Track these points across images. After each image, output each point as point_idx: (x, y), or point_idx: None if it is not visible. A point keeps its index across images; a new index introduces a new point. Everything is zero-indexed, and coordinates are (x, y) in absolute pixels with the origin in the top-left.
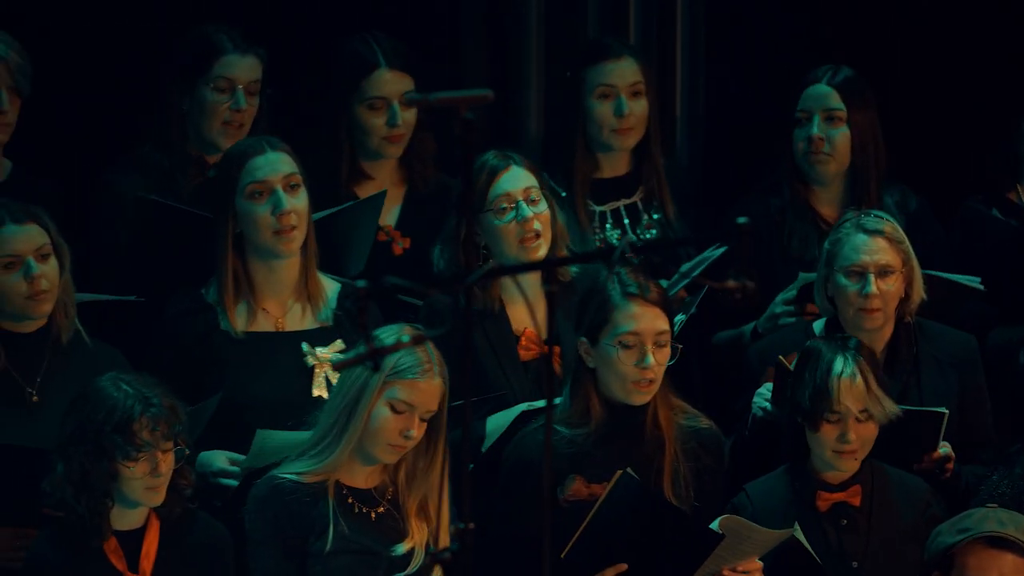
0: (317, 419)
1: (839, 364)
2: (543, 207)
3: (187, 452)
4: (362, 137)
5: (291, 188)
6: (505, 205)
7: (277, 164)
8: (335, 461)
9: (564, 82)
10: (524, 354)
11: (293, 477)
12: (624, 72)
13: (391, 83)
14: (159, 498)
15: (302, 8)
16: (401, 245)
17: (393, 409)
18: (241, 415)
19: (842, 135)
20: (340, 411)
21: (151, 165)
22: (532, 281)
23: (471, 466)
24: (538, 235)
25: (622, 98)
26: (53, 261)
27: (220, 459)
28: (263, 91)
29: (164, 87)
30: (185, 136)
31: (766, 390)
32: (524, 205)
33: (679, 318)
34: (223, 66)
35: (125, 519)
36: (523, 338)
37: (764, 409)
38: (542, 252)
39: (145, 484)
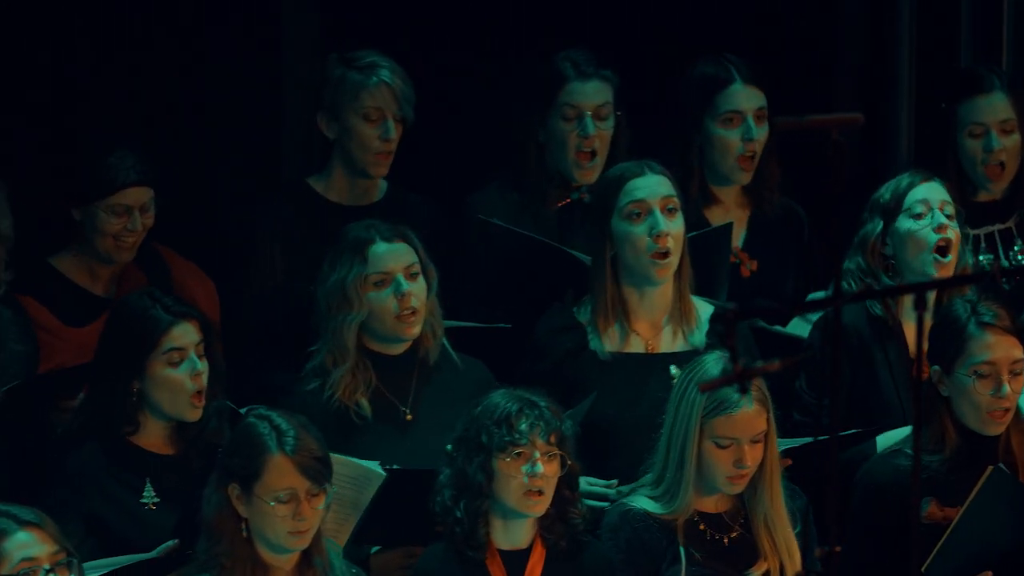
0: (652, 459)
1: None
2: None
3: (570, 463)
4: (717, 157)
5: (669, 211)
6: (921, 210)
7: (656, 187)
8: (682, 504)
9: (937, 112)
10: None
11: (643, 510)
12: (996, 108)
13: (746, 98)
14: (539, 508)
15: (657, 29)
16: (749, 267)
17: (718, 445)
18: (606, 435)
19: None
20: (672, 454)
21: (513, 189)
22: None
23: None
24: (948, 243)
25: (992, 134)
26: (421, 281)
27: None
28: (615, 112)
29: (518, 118)
30: (544, 164)
31: None
32: (939, 213)
33: None
34: (567, 94)
35: (509, 537)
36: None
37: None
38: (951, 269)
39: (524, 487)
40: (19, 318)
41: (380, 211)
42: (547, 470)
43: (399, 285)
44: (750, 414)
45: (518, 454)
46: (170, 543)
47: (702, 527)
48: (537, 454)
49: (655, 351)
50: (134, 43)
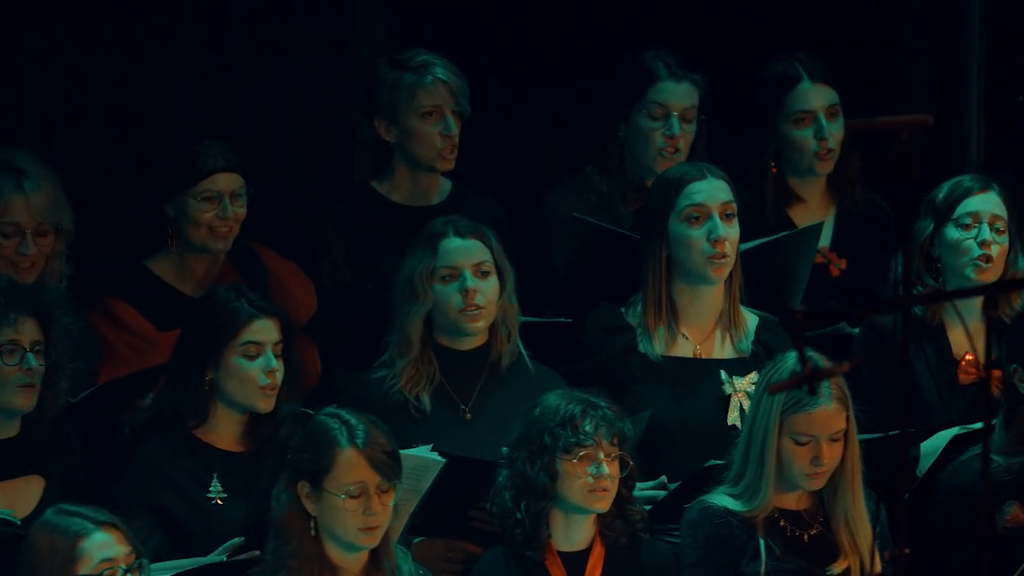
0: (732, 456)
1: None
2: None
3: (631, 464)
4: (793, 156)
5: (727, 217)
6: (969, 222)
7: (716, 191)
8: (762, 501)
9: (1013, 106)
10: (964, 378)
11: (723, 507)
12: None
13: (816, 96)
14: (604, 504)
15: (742, 32)
16: (838, 267)
17: (797, 442)
18: (652, 437)
19: None
20: (752, 451)
21: (590, 189)
22: (973, 304)
23: (906, 495)
24: (989, 259)
25: None
26: (493, 280)
27: None
28: (699, 116)
29: (602, 113)
30: (623, 162)
31: None
32: (986, 227)
33: None
34: (657, 92)
35: (569, 539)
36: (963, 361)
37: None
38: (993, 275)
39: (588, 486)
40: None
41: (444, 211)
42: (611, 470)
43: (464, 281)
44: (829, 412)
45: (583, 455)
46: (235, 541)
47: (782, 523)
48: (601, 455)
49: (704, 356)
50: (206, 45)
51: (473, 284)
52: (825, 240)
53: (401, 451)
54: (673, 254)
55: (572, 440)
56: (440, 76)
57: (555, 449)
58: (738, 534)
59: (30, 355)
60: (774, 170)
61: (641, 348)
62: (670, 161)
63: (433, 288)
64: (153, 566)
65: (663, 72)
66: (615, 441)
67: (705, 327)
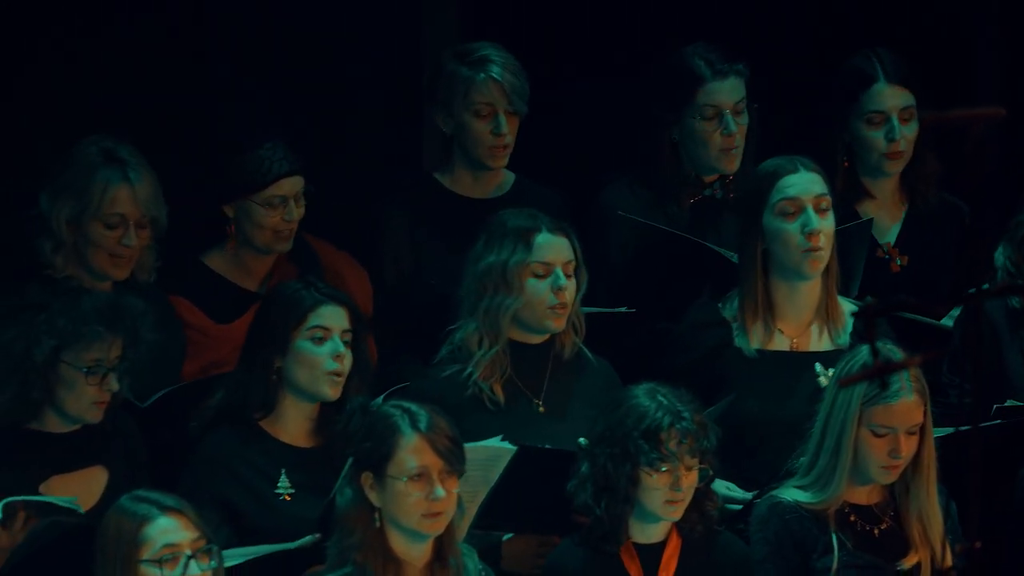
0: (804, 447)
1: None
2: None
3: (711, 473)
4: (863, 153)
5: (821, 210)
6: None
7: (810, 184)
8: (834, 494)
9: None
10: None
11: (793, 500)
12: None
13: (891, 97)
14: (677, 513)
15: (806, 23)
16: (899, 263)
17: (875, 434)
18: (745, 432)
19: None
20: (827, 441)
21: (644, 185)
22: None
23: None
24: None
25: None
26: (574, 278)
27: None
28: (749, 107)
29: (652, 115)
30: (678, 160)
31: None
32: None
33: None
34: (706, 95)
35: (645, 532)
36: None
37: None
38: None
39: (665, 497)
40: (157, 308)
41: (507, 204)
42: (690, 481)
43: (558, 278)
44: (909, 404)
45: (665, 471)
46: (311, 536)
47: (852, 518)
48: (682, 471)
49: (801, 349)
50: (273, 42)
51: (565, 282)
52: (891, 236)
53: (471, 444)
54: (769, 248)
55: (655, 456)
56: (494, 75)
57: (638, 460)
58: (809, 528)
59: (112, 375)
60: (846, 165)
61: (737, 343)
62: (730, 158)
63: (527, 283)
64: (224, 553)
65: (707, 72)
66: (696, 455)
67: (802, 321)
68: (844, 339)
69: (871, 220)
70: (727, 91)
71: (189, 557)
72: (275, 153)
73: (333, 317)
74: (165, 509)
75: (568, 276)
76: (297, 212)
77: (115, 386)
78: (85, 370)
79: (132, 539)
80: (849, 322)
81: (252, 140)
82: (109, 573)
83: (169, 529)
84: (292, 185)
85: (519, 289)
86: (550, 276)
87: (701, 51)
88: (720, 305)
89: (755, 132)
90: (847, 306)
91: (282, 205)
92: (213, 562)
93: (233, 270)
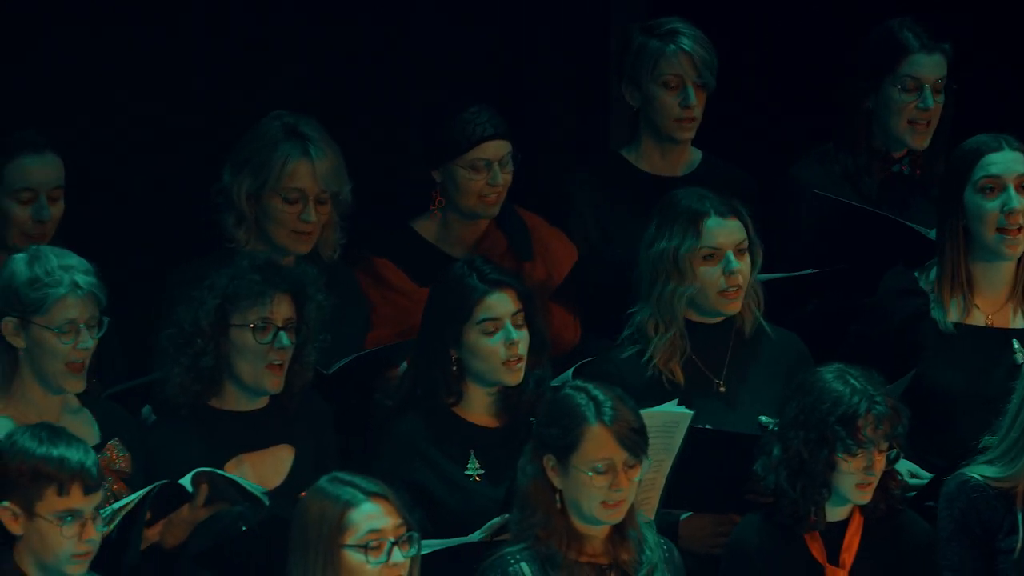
0: (1000, 423)
1: None
2: None
3: (900, 455)
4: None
5: (1021, 188)
6: None
7: (1013, 163)
8: (1021, 467)
9: None
10: None
11: (981, 479)
12: None
13: (926, 66)
14: (867, 496)
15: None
16: None
17: None
18: (935, 405)
19: None
20: (1022, 416)
21: (835, 161)
22: None
23: None
24: None
25: None
26: (747, 257)
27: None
28: (948, 86)
29: (849, 85)
30: (870, 133)
31: None
32: None
33: None
34: (910, 65)
35: (829, 512)
36: None
37: None
38: None
39: (857, 480)
40: (342, 284)
41: (693, 182)
42: (882, 465)
43: (728, 262)
44: None
45: (860, 456)
46: (497, 520)
47: None
48: (876, 455)
49: (996, 326)
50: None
51: (737, 266)
52: None
53: (647, 410)
54: (968, 225)
55: (851, 443)
56: (684, 46)
57: (834, 447)
58: (995, 507)
59: (282, 333)
60: None
61: (933, 314)
62: (921, 134)
63: (699, 269)
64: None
65: (915, 44)
66: (890, 439)
67: (999, 299)
68: None
69: None
70: (932, 65)
71: (393, 544)
72: (479, 116)
73: (500, 305)
74: (370, 494)
75: (739, 256)
76: (503, 177)
77: (287, 345)
78: (251, 327)
79: (336, 523)
80: None
81: (457, 104)
82: (310, 556)
83: (374, 515)
84: (497, 149)
85: (692, 276)
86: (721, 260)
87: (909, 23)
88: (918, 274)
89: (950, 113)
90: None
91: (486, 169)
92: (413, 549)
93: (441, 236)
